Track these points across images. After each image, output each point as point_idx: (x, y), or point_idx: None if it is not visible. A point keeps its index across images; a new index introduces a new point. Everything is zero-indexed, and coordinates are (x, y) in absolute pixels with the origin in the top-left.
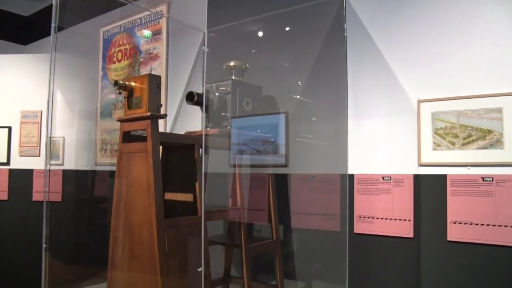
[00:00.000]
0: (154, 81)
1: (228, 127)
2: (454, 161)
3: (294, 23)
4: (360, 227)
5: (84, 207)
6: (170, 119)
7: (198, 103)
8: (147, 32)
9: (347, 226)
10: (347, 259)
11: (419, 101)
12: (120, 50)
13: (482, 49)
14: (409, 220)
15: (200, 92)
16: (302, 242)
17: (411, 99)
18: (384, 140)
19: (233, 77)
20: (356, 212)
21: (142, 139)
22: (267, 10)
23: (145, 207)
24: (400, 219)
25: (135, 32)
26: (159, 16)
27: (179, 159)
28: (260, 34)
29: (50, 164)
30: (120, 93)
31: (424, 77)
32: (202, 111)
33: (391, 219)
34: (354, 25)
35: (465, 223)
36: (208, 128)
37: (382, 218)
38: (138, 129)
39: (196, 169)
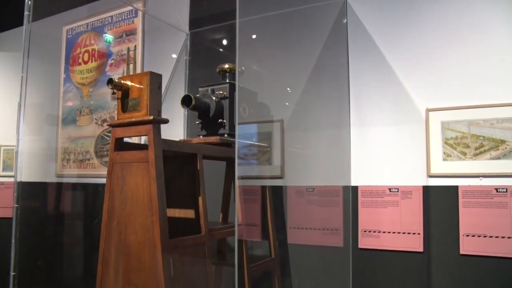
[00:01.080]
0: (155, 80)
1: (225, 135)
2: (466, 171)
3: (291, 25)
4: (365, 242)
5: (43, 224)
6: None
7: (196, 108)
8: (108, 37)
9: (351, 241)
10: (351, 276)
11: (428, 110)
12: (86, 51)
13: (494, 58)
14: (419, 234)
15: (197, 95)
16: (301, 259)
17: (418, 107)
18: (390, 150)
19: (227, 80)
20: (361, 226)
21: (140, 147)
22: (261, 11)
23: (145, 225)
24: (409, 233)
25: (105, 32)
26: (133, 15)
27: (176, 171)
28: (254, 36)
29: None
30: (114, 93)
31: (433, 85)
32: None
33: (399, 232)
34: (356, 30)
35: (479, 236)
36: (202, 136)
37: (389, 232)
38: (136, 135)
39: (199, 182)
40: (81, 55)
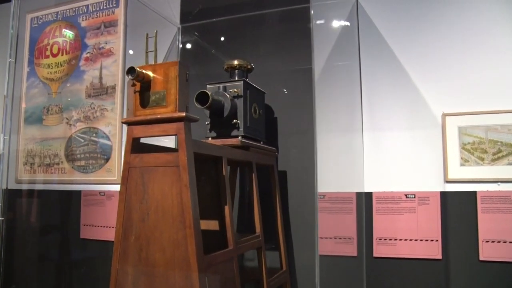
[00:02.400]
0: (183, 72)
1: (239, 137)
2: (484, 177)
3: (299, 23)
4: (380, 251)
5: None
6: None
7: (211, 106)
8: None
9: (364, 250)
10: (365, 286)
11: (444, 115)
12: (55, 43)
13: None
14: (437, 241)
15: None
16: (312, 270)
17: (434, 112)
18: (405, 155)
19: (236, 78)
20: (376, 234)
21: (163, 149)
22: (265, 7)
23: (176, 241)
24: (427, 240)
25: (79, 22)
26: (114, 5)
27: (197, 176)
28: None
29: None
30: (133, 84)
31: (449, 90)
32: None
33: (416, 240)
34: (368, 31)
35: (498, 241)
36: (210, 138)
37: (406, 240)
38: (161, 134)
39: (224, 189)
40: (49, 47)
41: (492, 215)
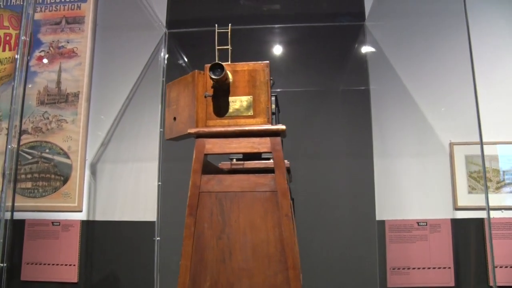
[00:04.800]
0: (269, 77)
1: (272, 159)
2: (490, 204)
3: (304, 43)
4: (394, 280)
5: None
6: (94, 146)
7: None
8: None
9: (378, 280)
10: None
11: (452, 144)
12: None
13: None
14: (449, 268)
15: None
16: None
17: (442, 141)
18: (416, 183)
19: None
20: (389, 264)
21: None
22: (281, 21)
23: (273, 286)
24: (440, 267)
25: (30, 13)
26: None
27: None
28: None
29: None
30: (213, 86)
31: (456, 120)
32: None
33: (429, 268)
34: (377, 57)
35: (506, 267)
36: (235, 160)
37: (419, 268)
38: (248, 151)
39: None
40: None
41: (499, 241)
